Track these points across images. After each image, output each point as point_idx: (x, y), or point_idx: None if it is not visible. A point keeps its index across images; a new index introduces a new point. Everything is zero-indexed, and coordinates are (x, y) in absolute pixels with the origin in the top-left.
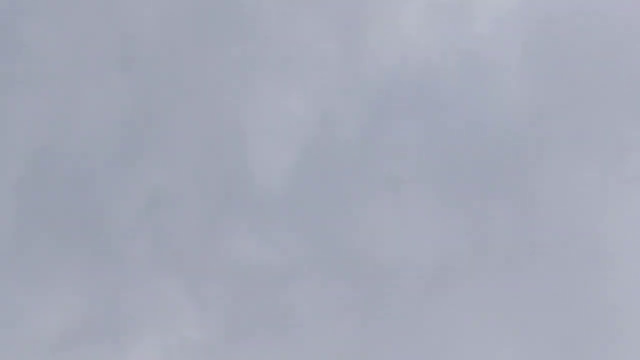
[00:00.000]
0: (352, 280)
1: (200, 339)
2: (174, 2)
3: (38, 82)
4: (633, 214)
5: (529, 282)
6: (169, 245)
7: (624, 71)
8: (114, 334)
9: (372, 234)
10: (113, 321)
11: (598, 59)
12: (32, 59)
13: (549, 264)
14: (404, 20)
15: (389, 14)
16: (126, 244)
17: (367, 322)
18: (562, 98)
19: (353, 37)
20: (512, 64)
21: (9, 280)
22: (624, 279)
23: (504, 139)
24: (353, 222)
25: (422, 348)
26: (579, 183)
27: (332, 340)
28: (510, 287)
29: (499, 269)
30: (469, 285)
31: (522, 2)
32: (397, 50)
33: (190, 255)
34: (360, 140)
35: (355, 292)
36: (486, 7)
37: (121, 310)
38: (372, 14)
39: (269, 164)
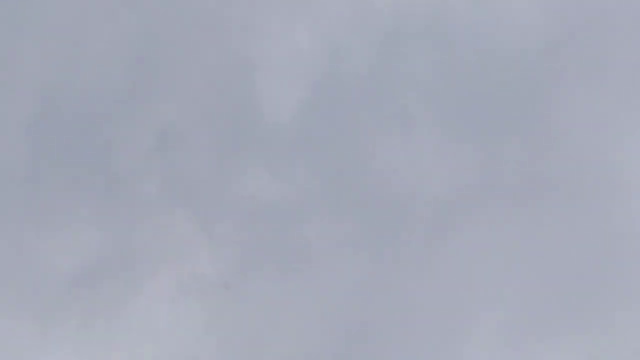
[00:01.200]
0: (364, 215)
1: (213, 275)
2: None
3: (46, 21)
4: None
5: (541, 216)
6: (179, 182)
7: None
8: (127, 271)
9: (383, 168)
10: (126, 259)
11: None
12: None
13: (561, 197)
14: None
15: None
16: (137, 181)
17: (379, 257)
18: (576, 26)
19: None
20: None
21: (22, 220)
22: (638, 213)
23: (516, 70)
24: (364, 156)
25: (434, 281)
26: (593, 114)
27: (345, 276)
28: (522, 221)
29: (510, 203)
30: (480, 219)
31: None
32: None
33: (201, 192)
34: (370, 73)
35: (367, 227)
36: None
37: (134, 248)
38: None
39: (278, 99)
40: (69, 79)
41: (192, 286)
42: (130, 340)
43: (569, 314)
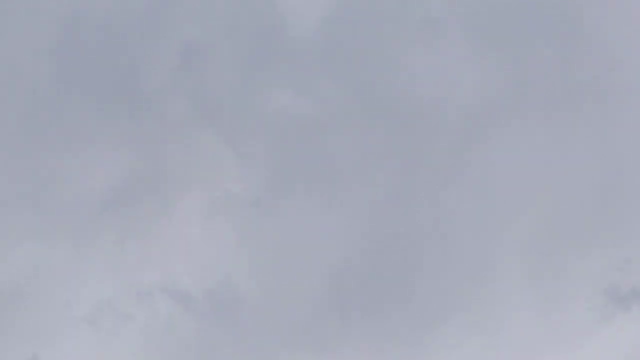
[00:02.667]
0: (392, 126)
1: (243, 192)
2: None
3: None
4: None
5: (573, 122)
6: (206, 99)
7: None
8: (158, 190)
9: (410, 78)
10: (157, 178)
11: None
12: None
13: (594, 103)
14: None
15: None
16: (164, 100)
17: (407, 169)
18: None
19: None
20: None
21: (52, 143)
22: None
23: None
24: (391, 66)
25: (463, 191)
26: (626, 16)
27: (373, 189)
28: (553, 128)
29: (540, 108)
30: (510, 126)
31: None
32: None
33: (228, 109)
34: None
35: (396, 138)
36: None
37: (163, 167)
38: None
39: (302, 13)
40: (93, 1)
41: (222, 203)
42: (163, 257)
43: (600, 222)
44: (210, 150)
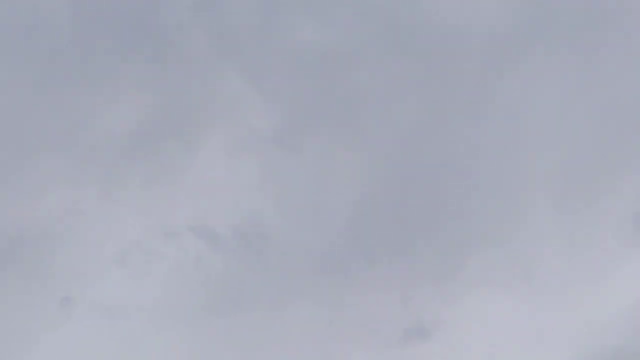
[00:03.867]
0: (416, 59)
1: (266, 128)
2: None
3: None
4: None
5: (598, 46)
6: (227, 36)
7: None
8: (182, 130)
9: (434, 8)
10: (180, 118)
11: None
12: None
13: (618, 26)
14: None
15: None
16: (185, 39)
17: (433, 101)
18: None
19: None
20: None
21: (75, 87)
22: None
23: None
24: None
25: (489, 121)
26: None
27: (397, 123)
28: (578, 52)
29: (566, 35)
30: (535, 54)
31: None
32: None
33: (249, 45)
34: None
35: (419, 71)
36: None
37: (187, 107)
38: None
39: None
40: None
41: (245, 141)
42: (189, 196)
43: (628, 149)
44: (233, 88)
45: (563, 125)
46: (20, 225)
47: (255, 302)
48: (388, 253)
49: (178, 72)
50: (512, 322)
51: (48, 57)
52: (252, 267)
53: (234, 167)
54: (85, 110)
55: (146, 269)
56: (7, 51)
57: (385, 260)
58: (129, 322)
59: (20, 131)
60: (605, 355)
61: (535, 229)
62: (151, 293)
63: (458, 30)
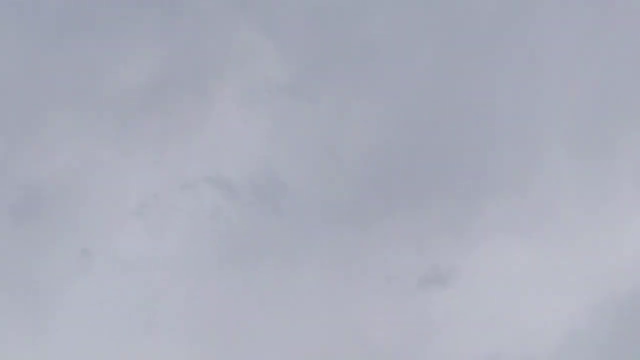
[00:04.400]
0: (433, 3)
1: (281, 78)
2: None
3: None
4: None
5: None
6: None
7: None
8: (196, 81)
9: None
10: (193, 69)
11: None
12: None
13: None
14: None
15: None
16: None
17: (450, 46)
18: None
19: None
20: None
21: (89, 39)
22: None
23: None
24: None
25: (507, 67)
26: None
27: (413, 69)
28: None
29: None
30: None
31: None
32: None
33: None
34: None
35: (436, 14)
36: None
37: (199, 57)
38: None
39: None
40: None
41: (260, 91)
42: (205, 148)
43: None
44: (247, 38)
45: (580, 70)
46: (38, 180)
47: (272, 252)
48: (404, 202)
49: (191, 23)
50: (529, 268)
51: (60, 10)
52: (269, 217)
53: (249, 118)
54: (99, 63)
55: (163, 221)
56: (19, 5)
57: (401, 209)
58: (147, 274)
59: (34, 86)
60: (621, 300)
61: (552, 175)
62: (169, 245)
63: None
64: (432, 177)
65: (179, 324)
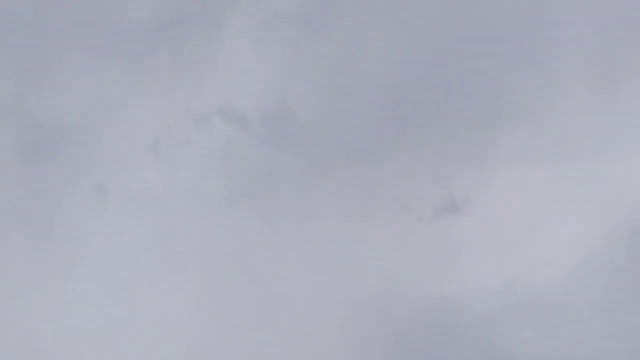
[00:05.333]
0: None
1: (293, 8)
2: None
3: None
4: None
5: None
6: None
7: None
8: (206, 12)
9: None
10: (204, 2)
11: None
12: None
13: None
14: None
15: None
16: None
17: None
18: None
19: None
20: None
21: None
22: None
23: None
24: None
25: None
26: None
27: None
28: None
29: None
30: None
31: None
32: None
33: None
34: None
35: None
36: None
37: None
38: None
39: None
40: None
41: (272, 22)
42: (217, 81)
43: None
44: None
45: None
46: (51, 118)
47: (286, 185)
48: (418, 132)
49: None
50: (544, 195)
51: None
52: (283, 150)
53: (261, 50)
54: (109, 0)
55: (177, 156)
56: None
57: (415, 139)
58: (162, 209)
59: (45, 25)
60: (636, 224)
61: (567, 103)
62: (182, 180)
63: None
64: (446, 107)
65: (194, 258)
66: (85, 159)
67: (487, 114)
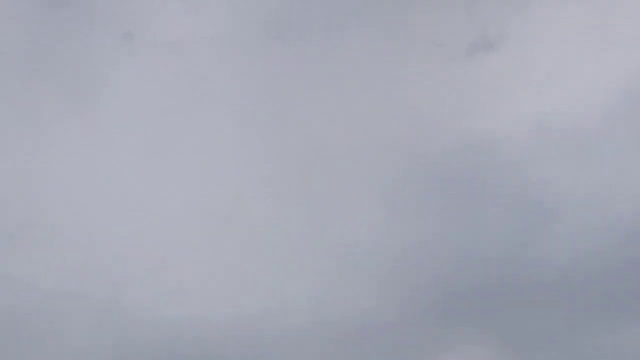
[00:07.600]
0: None
1: None
2: None
3: None
4: None
5: None
6: None
7: None
8: None
9: None
10: None
11: None
12: None
13: None
14: None
15: None
16: None
17: None
18: None
19: None
20: None
21: None
22: None
23: None
24: None
25: None
26: None
27: None
28: None
29: None
30: None
31: None
32: None
33: None
34: None
35: None
36: None
37: None
38: None
39: None
40: None
41: None
42: None
43: None
44: None
45: None
46: None
47: (318, 26)
48: None
49: None
50: (580, 29)
51: None
52: None
53: None
54: None
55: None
56: None
57: None
58: (191, 54)
59: None
60: None
61: None
62: (211, 24)
63: None
64: None
65: (225, 103)
66: (111, 6)
67: None
